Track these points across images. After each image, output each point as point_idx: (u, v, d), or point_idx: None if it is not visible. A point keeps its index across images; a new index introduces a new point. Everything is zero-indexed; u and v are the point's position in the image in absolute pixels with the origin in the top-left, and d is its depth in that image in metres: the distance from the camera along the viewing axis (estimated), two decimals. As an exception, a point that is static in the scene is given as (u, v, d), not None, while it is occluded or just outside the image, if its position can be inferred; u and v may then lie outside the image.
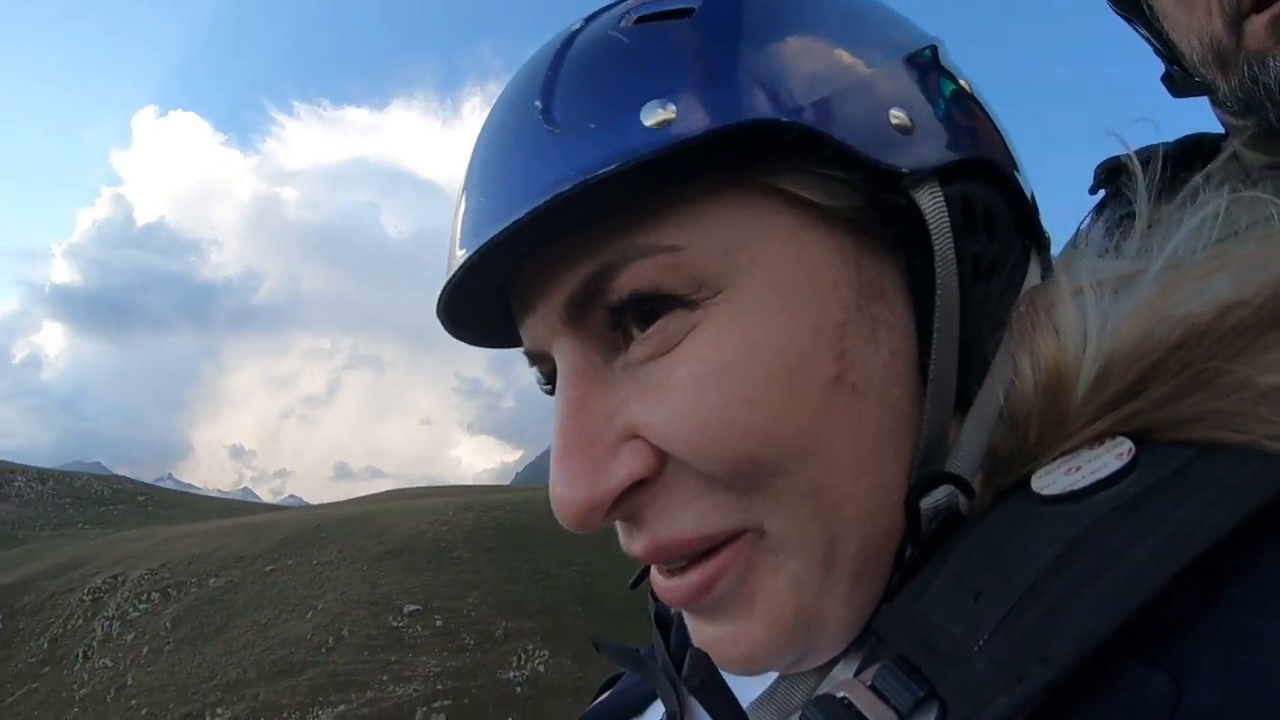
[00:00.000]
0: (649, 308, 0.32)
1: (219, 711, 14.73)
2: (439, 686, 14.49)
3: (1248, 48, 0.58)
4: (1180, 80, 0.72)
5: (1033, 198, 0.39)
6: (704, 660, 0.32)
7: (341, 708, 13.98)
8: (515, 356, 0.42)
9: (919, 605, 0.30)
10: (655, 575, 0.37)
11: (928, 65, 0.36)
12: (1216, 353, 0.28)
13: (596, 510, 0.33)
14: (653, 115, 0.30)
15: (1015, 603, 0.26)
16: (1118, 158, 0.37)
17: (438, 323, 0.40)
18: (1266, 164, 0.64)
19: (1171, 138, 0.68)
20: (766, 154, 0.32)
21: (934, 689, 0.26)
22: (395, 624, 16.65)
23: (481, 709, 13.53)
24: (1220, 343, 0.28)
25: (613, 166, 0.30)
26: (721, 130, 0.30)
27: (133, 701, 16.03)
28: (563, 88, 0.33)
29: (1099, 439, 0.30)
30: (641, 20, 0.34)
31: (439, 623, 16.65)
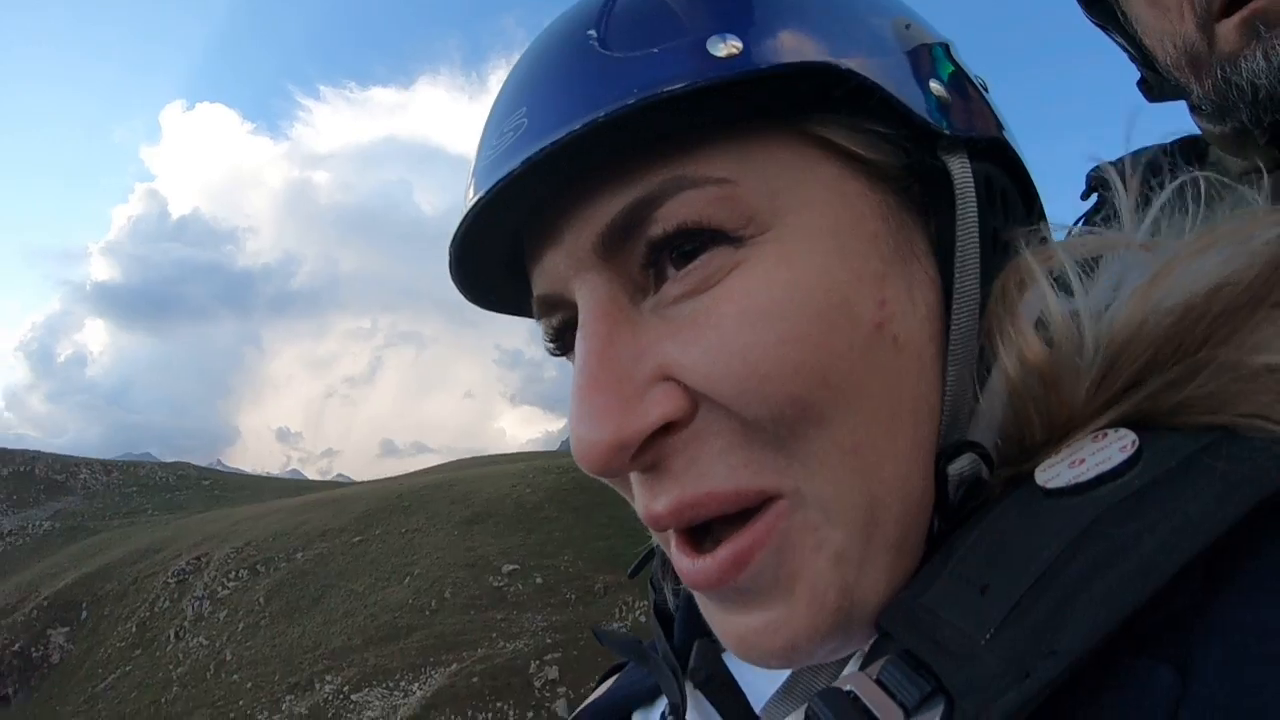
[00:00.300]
0: (690, 246, 0.32)
1: (328, 679, 14.95)
2: (548, 640, 14.66)
3: (1220, 50, 0.58)
4: (1155, 85, 0.74)
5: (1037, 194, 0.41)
6: (711, 653, 0.32)
7: (454, 666, 14.18)
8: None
9: (924, 599, 0.29)
10: (679, 559, 0.33)
11: (952, 57, 0.39)
12: (1209, 337, 0.29)
13: (624, 450, 0.31)
14: (719, 47, 0.31)
15: (1022, 596, 0.25)
16: (1109, 163, 0.37)
17: None
18: (1243, 169, 0.64)
19: (1170, 137, 0.72)
20: (818, 104, 0.33)
21: (941, 684, 0.26)
22: (496, 584, 16.90)
23: (590, 660, 13.66)
24: (1213, 326, 0.29)
25: (682, 84, 0.30)
26: (785, 68, 0.31)
27: (235, 676, 16.30)
28: (621, 17, 0.33)
29: (1101, 431, 0.30)
30: None
31: (539, 580, 16.93)
